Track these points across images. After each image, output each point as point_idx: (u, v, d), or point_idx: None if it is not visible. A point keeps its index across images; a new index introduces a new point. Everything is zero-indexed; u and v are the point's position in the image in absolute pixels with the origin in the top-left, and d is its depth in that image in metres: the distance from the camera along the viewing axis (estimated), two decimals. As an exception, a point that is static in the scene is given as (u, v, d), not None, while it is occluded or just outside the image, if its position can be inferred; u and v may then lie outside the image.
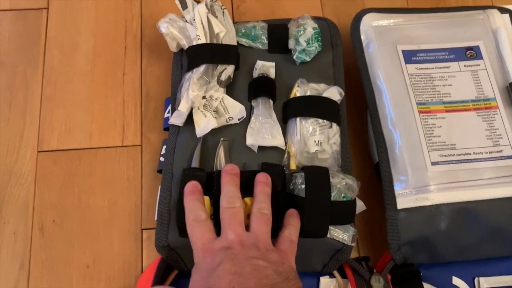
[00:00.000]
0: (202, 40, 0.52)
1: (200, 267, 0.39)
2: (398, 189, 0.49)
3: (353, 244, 0.47)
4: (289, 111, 0.50)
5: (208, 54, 0.52)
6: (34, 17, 0.64)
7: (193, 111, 0.51)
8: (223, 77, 0.52)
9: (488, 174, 0.49)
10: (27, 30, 0.64)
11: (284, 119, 0.51)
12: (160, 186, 0.49)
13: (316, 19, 0.56)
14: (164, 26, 0.54)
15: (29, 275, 0.53)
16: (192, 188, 0.44)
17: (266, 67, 0.53)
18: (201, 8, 0.53)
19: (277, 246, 0.41)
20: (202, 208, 0.42)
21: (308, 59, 0.53)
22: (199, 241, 0.40)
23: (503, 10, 0.58)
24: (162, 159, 0.53)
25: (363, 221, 0.56)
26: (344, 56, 0.57)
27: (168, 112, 0.54)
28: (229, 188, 0.43)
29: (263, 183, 0.44)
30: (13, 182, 0.56)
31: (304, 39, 0.52)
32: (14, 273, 0.53)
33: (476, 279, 0.51)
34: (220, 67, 0.52)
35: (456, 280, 0.51)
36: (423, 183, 0.48)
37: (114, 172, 0.57)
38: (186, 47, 0.54)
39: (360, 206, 0.48)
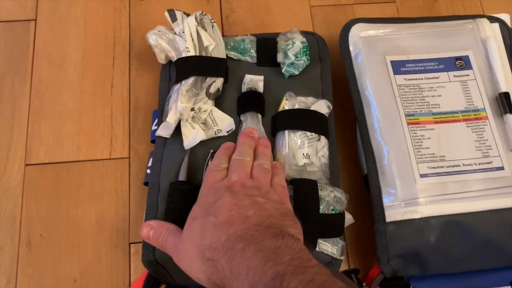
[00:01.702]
0: (192, 53, 0.52)
1: (202, 201, 0.41)
2: (387, 201, 0.49)
3: (342, 258, 0.47)
4: (278, 124, 0.50)
5: (197, 66, 0.52)
6: (22, 28, 0.64)
7: (181, 123, 0.50)
8: (212, 89, 0.52)
9: (478, 186, 0.49)
10: (15, 41, 0.63)
11: (273, 132, 0.51)
12: (147, 200, 0.49)
13: (304, 33, 0.56)
14: (153, 38, 0.54)
15: (16, 291, 0.52)
16: (229, 146, 0.47)
17: (254, 81, 0.52)
18: (191, 21, 0.53)
19: None
20: (226, 160, 0.45)
21: (296, 72, 0.53)
22: (209, 180, 0.43)
23: (492, 19, 0.58)
24: (148, 171, 0.53)
25: (353, 233, 0.55)
26: (334, 66, 0.57)
27: (156, 125, 0.54)
28: (243, 147, 0.46)
29: (260, 144, 0.47)
30: (0, 196, 0.56)
31: (293, 53, 0.52)
32: (1, 288, 0.52)
33: (467, 291, 0.51)
34: (209, 80, 0.52)
35: (447, 293, 0.51)
36: (412, 196, 0.48)
37: (102, 185, 0.57)
38: (174, 59, 0.54)
39: (349, 219, 0.48)
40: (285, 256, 0.33)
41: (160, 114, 0.53)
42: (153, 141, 0.54)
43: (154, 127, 0.55)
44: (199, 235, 0.37)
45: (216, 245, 0.36)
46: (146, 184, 0.53)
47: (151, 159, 0.53)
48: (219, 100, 0.53)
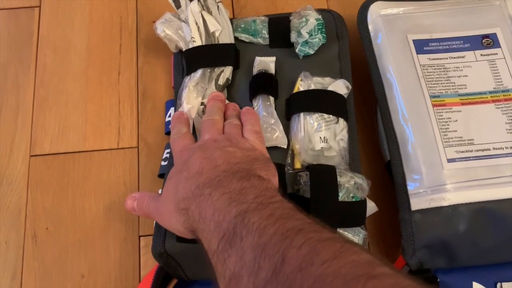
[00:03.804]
0: (198, 42, 0.50)
1: (176, 162, 0.43)
2: (411, 188, 0.46)
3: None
4: (292, 107, 0.47)
5: (204, 57, 0.50)
6: (26, 15, 0.62)
7: (193, 118, 0.48)
8: (221, 80, 0.50)
9: (510, 171, 0.45)
10: (19, 29, 0.61)
11: (287, 116, 0.48)
12: (160, 190, 0.46)
13: (319, 11, 0.53)
14: (160, 29, 0.53)
15: (22, 286, 0.50)
16: (180, 115, 0.47)
17: (265, 63, 0.50)
18: (194, 7, 0.51)
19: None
20: (184, 126, 0.46)
21: (311, 51, 0.50)
22: (178, 147, 0.44)
23: (521, -5, 0.54)
24: (163, 163, 0.50)
25: (375, 224, 0.52)
26: (352, 49, 0.53)
27: (170, 116, 0.52)
28: (212, 108, 0.46)
29: (229, 107, 0.48)
30: (4, 188, 0.54)
31: (306, 31, 0.49)
32: (5, 284, 0.50)
33: (498, 284, 0.47)
34: (217, 70, 0.50)
35: (476, 286, 0.47)
36: (439, 182, 0.45)
37: (110, 176, 0.54)
38: (184, 48, 0.52)
39: (372, 207, 0.45)
40: (249, 195, 0.34)
41: (176, 108, 0.51)
42: (167, 133, 0.52)
43: (168, 119, 0.54)
44: (174, 191, 0.39)
45: (188, 195, 0.37)
46: (160, 176, 0.51)
47: (166, 151, 0.51)
48: (231, 88, 0.51)
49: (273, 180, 0.40)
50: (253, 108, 0.48)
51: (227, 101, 0.49)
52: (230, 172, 0.37)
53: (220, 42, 0.51)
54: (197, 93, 0.49)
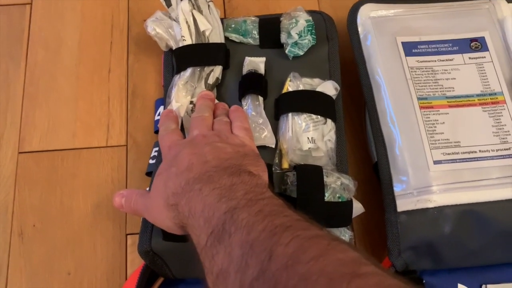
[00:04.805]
0: (188, 41, 0.50)
1: (166, 158, 0.42)
2: (398, 190, 0.46)
3: (350, 249, 0.44)
4: (281, 107, 0.48)
5: (193, 56, 0.50)
6: (18, 12, 0.62)
7: (182, 117, 0.48)
8: (211, 80, 0.50)
9: (496, 173, 0.46)
10: (10, 25, 0.61)
11: (276, 116, 0.48)
12: (148, 188, 0.46)
13: (310, 12, 0.53)
14: (151, 27, 0.53)
15: (7, 283, 0.50)
16: (168, 112, 0.47)
17: (254, 63, 0.50)
18: (184, 6, 0.51)
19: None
20: (173, 123, 0.46)
21: (301, 53, 0.50)
22: (166, 143, 0.43)
23: None
24: (151, 161, 0.50)
25: (362, 224, 0.52)
26: (342, 50, 0.54)
27: (159, 115, 0.52)
28: (201, 106, 0.46)
29: (218, 107, 0.47)
30: (-9, 185, 0.54)
31: (296, 32, 0.49)
32: (-9, 281, 0.50)
33: (483, 286, 0.47)
34: (207, 69, 0.50)
35: (462, 288, 0.48)
36: (425, 184, 0.45)
37: (98, 174, 0.54)
38: (174, 47, 0.52)
39: (358, 208, 0.45)
40: (239, 192, 0.34)
41: (165, 106, 0.51)
42: (156, 132, 0.52)
43: (157, 117, 0.54)
44: (163, 187, 0.38)
45: (178, 190, 0.37)
46: (148, 174, 0.52)
47: (155, 149, 0.51)
48: (221, 88, 0.51)
49: (263, 175, 0.39)
50: (242, 108, 0.48)
51: (216, 101, 0.49)
52: (220, 168, 0.37)
53: (211, 41, 0.51)
54: (186, 91, 0.49)
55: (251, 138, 0.44)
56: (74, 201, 0.53)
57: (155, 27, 0.52)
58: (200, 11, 0.51)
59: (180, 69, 0.50)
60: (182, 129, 0.48)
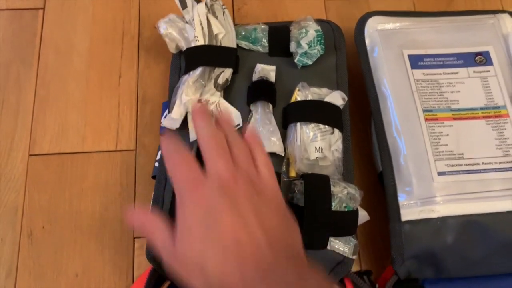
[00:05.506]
0: (200, 42, 0.51)
1: (188, 205, 0.32)
2: (402, 200, 0.47)
3: (355, 257, 0.45)
4: (289, 116, 0.48)
5: (205, 56, 0.50)
6: (30, 16, 0.63)
7: (188, 115, 0.49)
8: (220, 80, 0.50)
9: (498, 185, 0.47)
10: (23, 29, 0.62)
11: (284, 125, 0.49)
12: (153, 193, 0.47)
13: (319, 21, 0.54)
14: (163, 27, 0.53)
15: (16, 283, 0.51)
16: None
17: (266, 71, 0.50)
18: (201, 8, 0.52)
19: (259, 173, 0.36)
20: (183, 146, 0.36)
21: (310, 62, 0.51)
22: (181, 177, 0.33)
23: (514, 15, 0.56)
24: (157, 164, 0.51)
25: (366, 233, 0.53)
26: (349, 61, 0.54)
27: (165, 117, 0.53)
28: (207, 127, 0.36)
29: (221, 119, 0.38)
30: (2, 186, 0.54)
31: (306, 42, 0.50)
32: (0, 281, 0.51)
33: (484, 296, 0.48)
34: (217, 70, 0.50)
35: (463, 297, 0.49)
36: (428, 194, 0.46)
37: (107, 177, 0.55)
38: (184, 48, 0.52)
39: (363, 215, 0.46)
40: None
41: (170, 106, 0.52)
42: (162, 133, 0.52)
43: (163, 119, 0.54)
44: (200, 254, 0.31)
45: (226, 279, 0.30)
46: (153, 177, 0.52)
47: (159, 152, 0.51)
48: (228, 91, 0.51)
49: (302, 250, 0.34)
50: (252, 114, 0.49)
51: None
52: (279, 255, 0.31)
53: (223, 45, 0.52)
54: (195, 89, 0.49)
55: (274, 176, 0.36)
56: (82, 203, 0.54)
57: (167, 27, 0.52)
58: (215, 16, 0.52)
59: (190, 68, 0.50)
60: (186, 125, 0.49)
